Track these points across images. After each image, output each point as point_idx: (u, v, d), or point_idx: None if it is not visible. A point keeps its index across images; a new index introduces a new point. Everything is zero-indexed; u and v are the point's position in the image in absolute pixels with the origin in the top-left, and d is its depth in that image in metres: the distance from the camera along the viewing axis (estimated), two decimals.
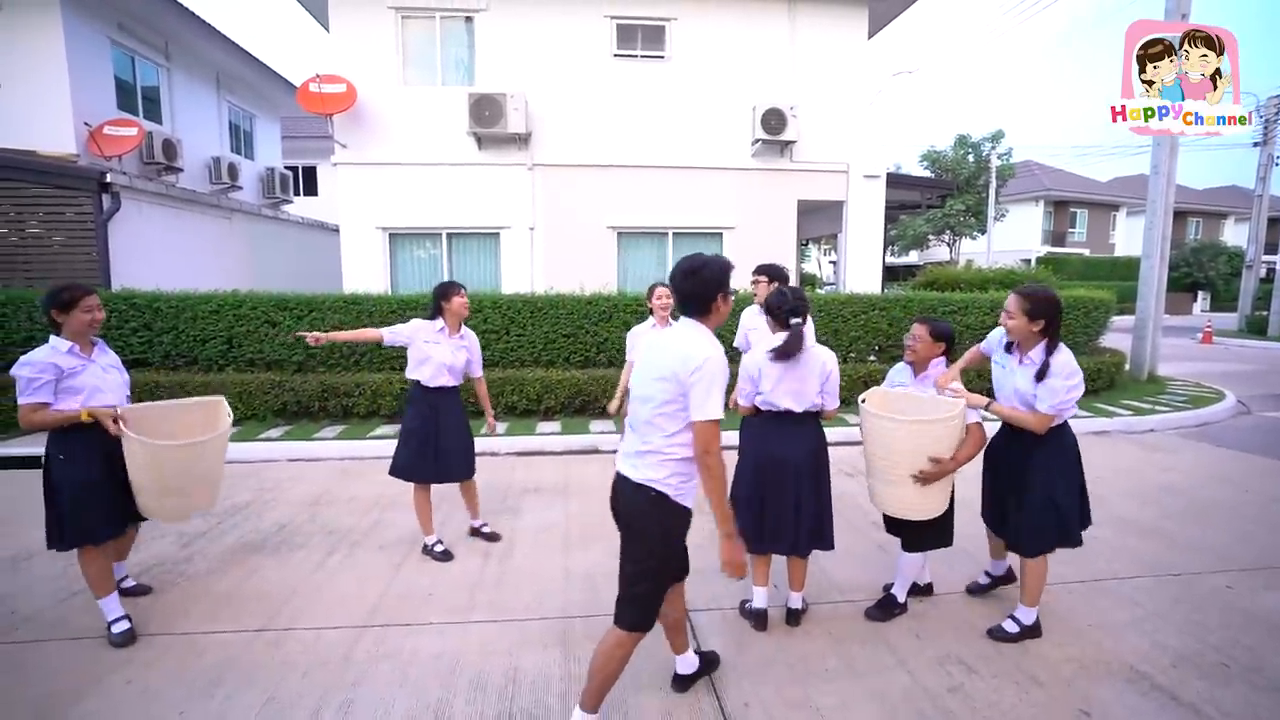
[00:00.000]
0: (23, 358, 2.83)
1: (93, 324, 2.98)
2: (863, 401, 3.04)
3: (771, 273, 4.09)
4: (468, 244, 9.78)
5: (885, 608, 3.14)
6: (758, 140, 9.56)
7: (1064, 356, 2.76)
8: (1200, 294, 31.01)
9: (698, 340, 2.10)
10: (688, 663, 2.60)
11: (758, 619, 3.06)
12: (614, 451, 6.18)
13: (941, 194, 15.24)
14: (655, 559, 2.22)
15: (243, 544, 4.04)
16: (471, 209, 9.56)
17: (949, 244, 30.96)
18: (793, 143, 9.68)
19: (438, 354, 3.82)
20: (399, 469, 3.84)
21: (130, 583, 3.38)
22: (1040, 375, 2.76)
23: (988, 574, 3.39)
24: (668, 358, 2.10)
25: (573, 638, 2.97)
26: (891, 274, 29.73)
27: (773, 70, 9.89)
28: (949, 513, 3.08)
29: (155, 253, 9.44)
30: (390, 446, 6.07)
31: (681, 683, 2.60)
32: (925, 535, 3.08)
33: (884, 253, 10.99)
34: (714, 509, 2.12)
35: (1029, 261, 28.50)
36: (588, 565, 3.74)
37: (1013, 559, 3.25)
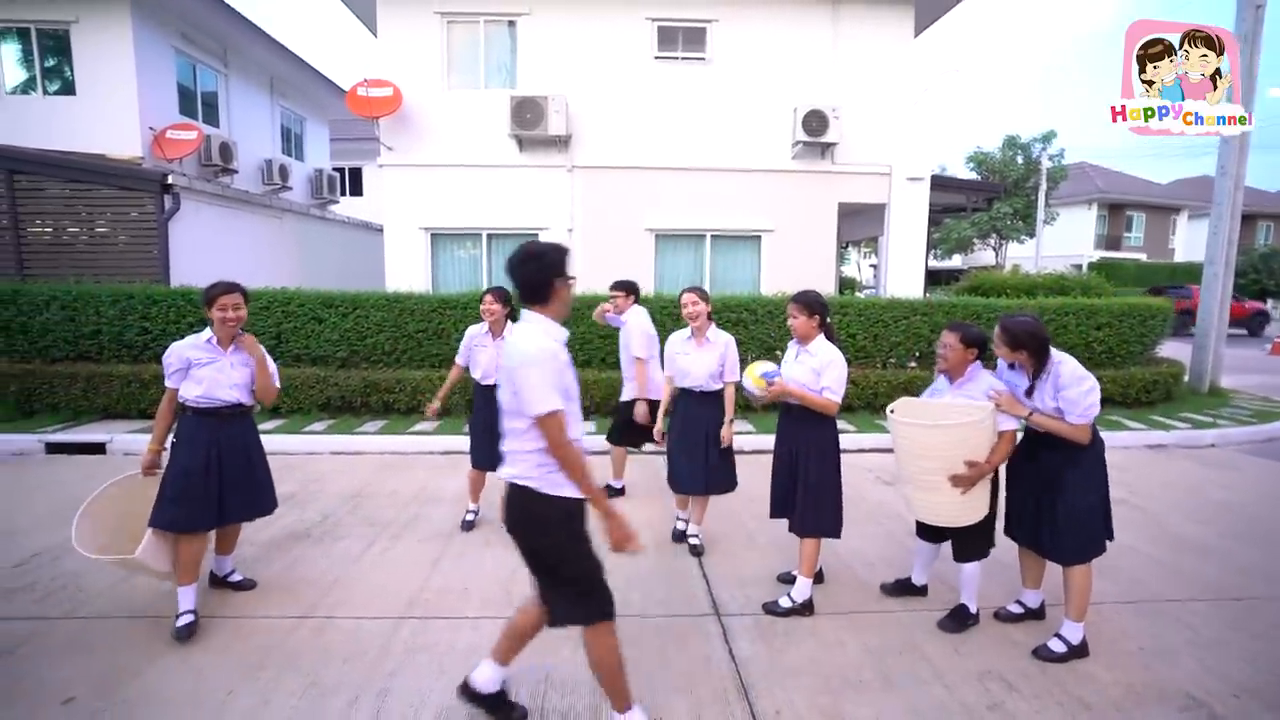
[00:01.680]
0: (172, 344, 3.08)
1: (225, 321, 3.10)
2: (891, 412, 3.04)
3: (628, 288, 5.04)
4: (507, 245, 9.92)
5: (959, 619, 3.06)
6: (798, 142, 9.45)
7: (1068, 366, 2.78)
8: (1271, 302, 29.37)
9: (529, 334, 2.08)
10: (491, 682, 2.35)
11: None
12: (649, 453, 6.20)
13: (988, 197, 14.85)
14: (561, 552, 2.16)
15: (288, 533, 4.18)
16: (511, 210, 9.69)
17: (995, 248, 30.06)
18: (834, 144, 9.54)
19: (483, 356, 4.22)
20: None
21: (237, 576, 3.45)
22: (1029, 393, 2.86)
23: (1020, 604, 3.21)
24: (506, 357, 2.10)
25: None
26: (934, 278, 28.95)
27: (814, 71, 9.78)
28: (992, 517, 3.03)
29: (211, 251, 9.84)
30: (430, 442, 6.26)
31: (467, 693, 2.35)
32: (971, 542, 3.03)
33: (926, 257, 10.75)
34: (584, 493, 2.10)
35: (1080, 267, 27.48)
36: (621, 565, 3.72)
37: (1047, 590, 3.14)
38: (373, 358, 7.48)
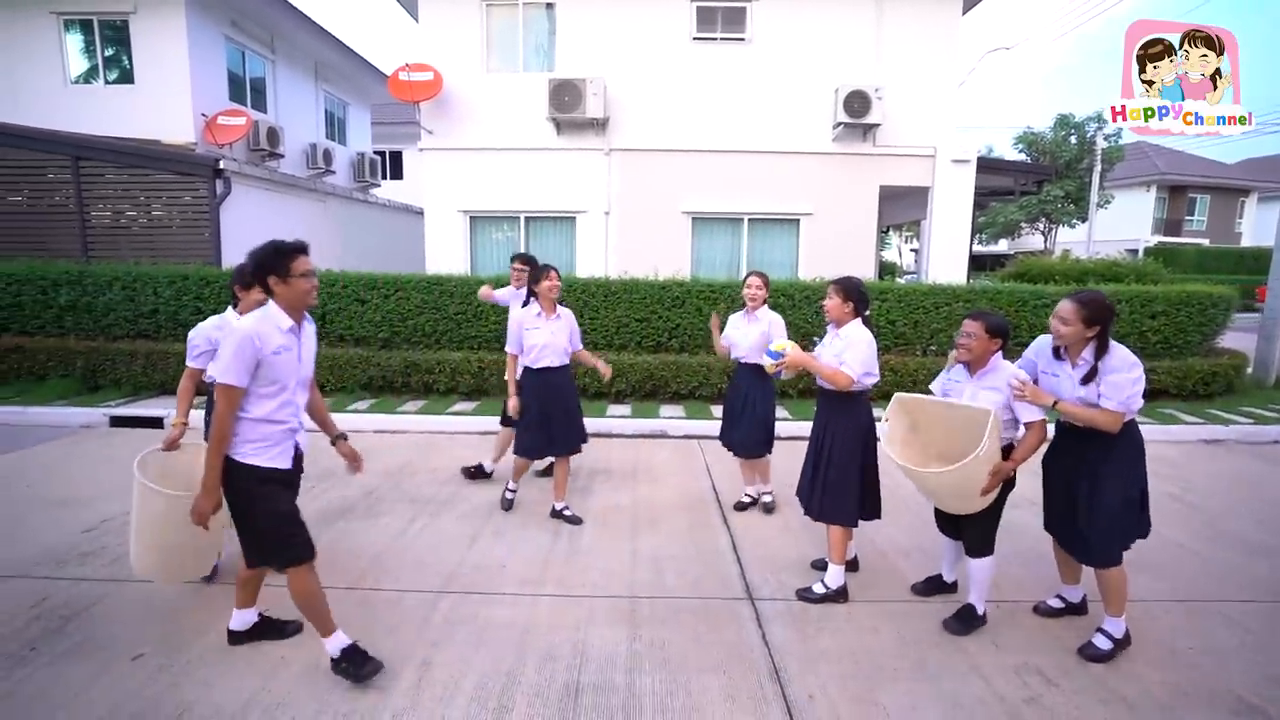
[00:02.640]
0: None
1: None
2: (884, 423, 2.98)
3: (528, 260, 4.73)
4: (544, 227, 9.99)
5: (965, 620, 2.97)
6: (839, 124, 9.23)
7: (1120, 350, 2.65)
8: None
9: (251, 315, 2.41)
10: (245, 623, 2.74)
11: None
12: (685, 436, 6.23)
13: (1038, 179, 14.26)
14: (249, 507, 2.42)
15: (334, 507, 4.34)
16: (549, 193, 9.74)
17: (1044, 233, 28.94)
18: (876, 126, 9.29)
19: (537, 339, 4.01)
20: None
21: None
22: (1089, 377, 2.65)
23: (1061, 598, 3.14)
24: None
25: (639, 618, 3.04)
26: (978, 264, 28.05)
27: (857, 51, 9.51)
28: (999, 509, 2.92)
29: (259, 233, 10.01)
30: (468, 423, 6.39)
31: (234, 637, 2.73)
32: (979, 533, 2.94)
33: (971, 241, 10.42)
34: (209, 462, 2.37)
35: (1135, 252, 26.30)
36: (654, 548, 3.80)
37: (1087, 586, 3.05)
38: (413, 339, 7.65)
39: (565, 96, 9.04)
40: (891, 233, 35.73)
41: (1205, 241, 31.49)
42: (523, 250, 9.91)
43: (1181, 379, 7.47)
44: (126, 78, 10.67)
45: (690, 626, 2.97)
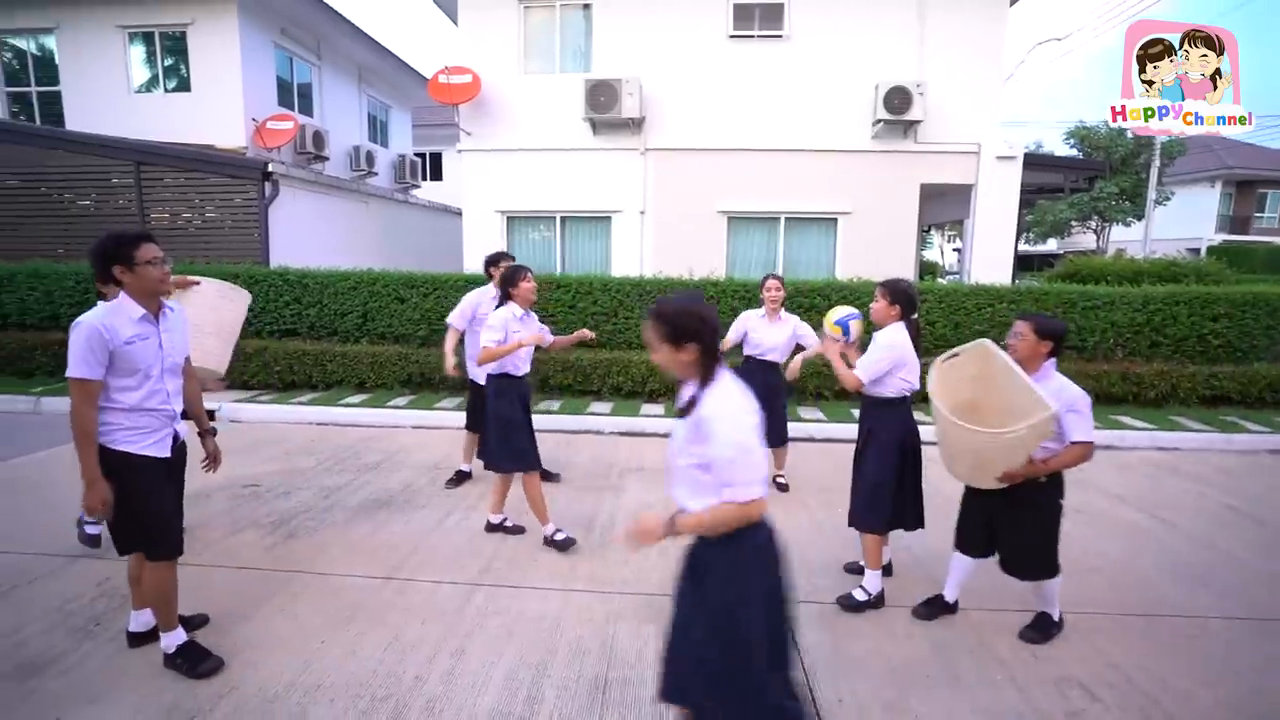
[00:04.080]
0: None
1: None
2: (942, 361, 2.88)
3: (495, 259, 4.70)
4: (580, 227, 10.06)
5: (1042, 628, 2.89)
6: (879, 121, 9.06)
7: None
8: None
9: (96, 310, 2.37)
10: (145, 624, 2.68)
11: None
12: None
13: (1089, 176, 13.77)
14: (120, 496, 2.39)
15: (373, 500, 4.46)
16: (585, 193, 9.80)
17: (1096, 231, 27.82)
18: (917, 123, 9.08)
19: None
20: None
21: None
22: None
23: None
24: None
25: (668, 615, 3.03)
26: (1025, 264, 27.15)
27: (898, 46, 9.31)
28: (1053, 539, 2.83)
29: (304, 234, 10.50)
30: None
31: (133, 640, 2.68)
32: (1027, 562, 2.85)
33: (1017, 241, 10.11)
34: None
35: (1197, 251, 25.06)
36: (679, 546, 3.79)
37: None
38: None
39: (601, 97, 9.09)
40: (933, 232, 34.88)
41: (1278, 240, 29.79)
42: (559, 251, 10.00)
43: (1246, 385, 7.11)
44: (184, 86, 11.16)
45: None
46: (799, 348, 4.59)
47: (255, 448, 5.62)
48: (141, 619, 2.70)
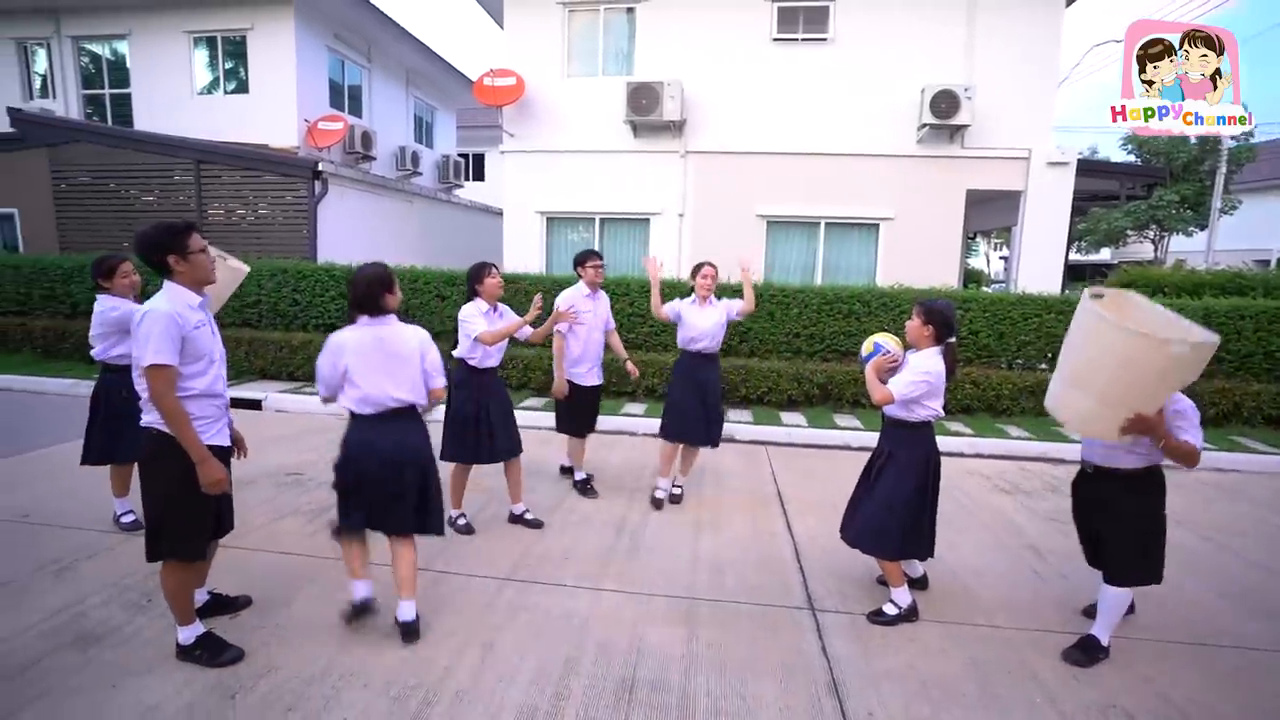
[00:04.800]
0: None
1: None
2: (1096, 297, 2.53)
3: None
4: (618, 229, 10.12)
5: (1087, 650, 2.80)
6: (924, 125, 8.87)
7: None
8: None
9: (155, 299, 2.35)
10: (184, 636, 2.56)
11: None
12: (750, 441, 6.16)
13: (1148, 182, 13.22)
14: (165, 494, 2.41)
15: None
16: (624, 195, 9.85)
17: (1155, 241, 26.65)
18: (965, 127, 8.87)
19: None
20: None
21: None
22: None
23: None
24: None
25: (697, 619, 3.03)
26: (1076, 273, 26.16)
27: (945, 49, 9.11)
28: (1160, 542, 2.77)
29: (351, 231, 10.80)
30: (536, 418, 6.56)
31: (178, 651, 2.56)
32: (1131, 565, 2.76)
33: (1068, 250, 9.77)
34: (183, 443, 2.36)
35: (1266, 263, 23.80)
36: (715, 550, 3.79)
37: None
38: None
39: (643, 99, 9.13)
40: (979, 239, 33.94)
41: None
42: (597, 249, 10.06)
43: None
44: (242, 88, 11.62)
45: (748, 631, 2.94)
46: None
47: (299, 437, 5.81)
48: (192, 632, 2.59)
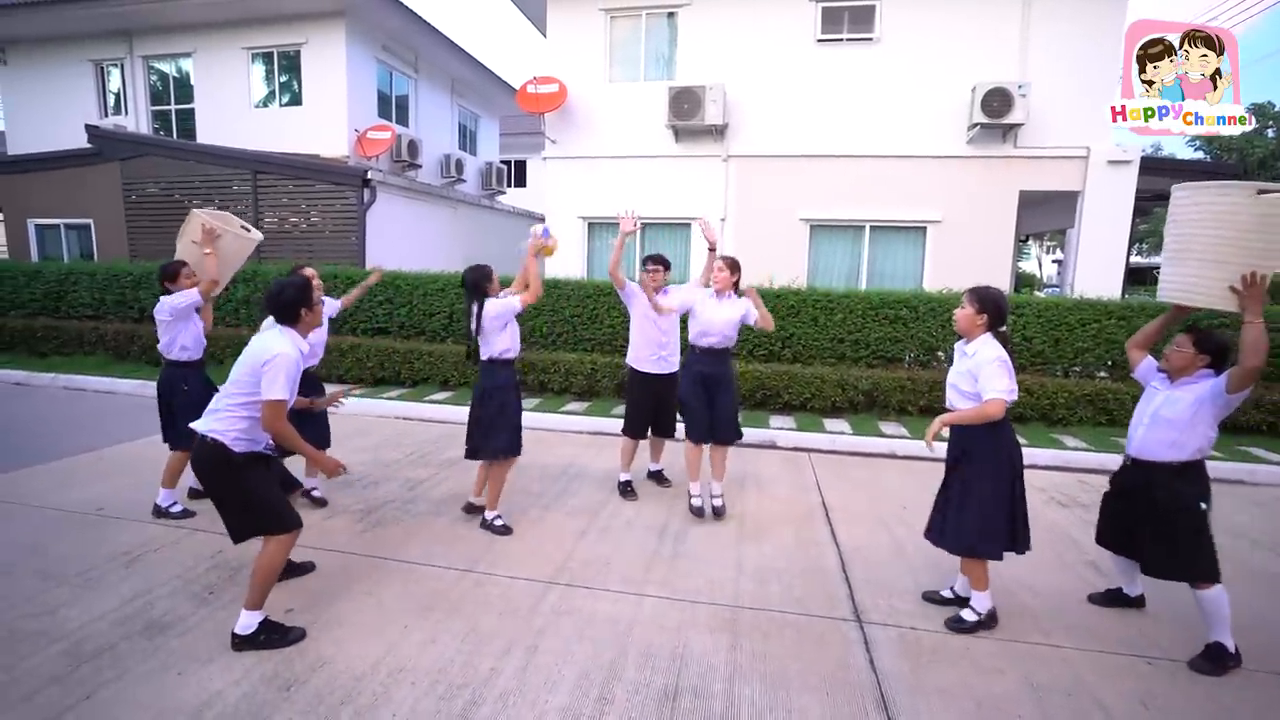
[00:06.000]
0: None
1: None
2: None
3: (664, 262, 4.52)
4: (659, 234, 10.12)
5: (1215, 659, 2.72)
6: (975, 125, 8.62)
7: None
8: None
9: (282, 341, 2.69)
10: (246, 624, 2.70)
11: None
12: (794, 449, 6.07)
13: (1219, 180, 12.51)
14: (235, 488, 2.69)
15: (454, 494, 4.64)
16: (665, 200, 9.85)
17: None
18: (1018, 126, 8.58)
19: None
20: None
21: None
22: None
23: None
24: (264, 350, 2.63)
25: (741, 628, 3.00)
26: (1137, 277, 25.00)
27: (998, 44, 8.83)
28: (1205, 539, 2.76)
29: (397, 237, 11.10)
30: (578, 422, 6.60)
31: (236, 641, 2.69)
32: (1176, 560, 2.80)
33: (1129, 252, 9.35)
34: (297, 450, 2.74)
35: None
36: (760, 559, 3.74)
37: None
38: (531, 340, 8.03)
39: (684, 104, 9.13)
40: (1031, 242, 32.78)
41: None
42: (637, 257, 10.10)
43: None
44: (295, 100, 12.07)
45: (793, 642, 2.89)
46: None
47: (347, 438, 5.97)
48: (246, 623, 2.72)
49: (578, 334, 7.89)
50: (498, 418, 3.90)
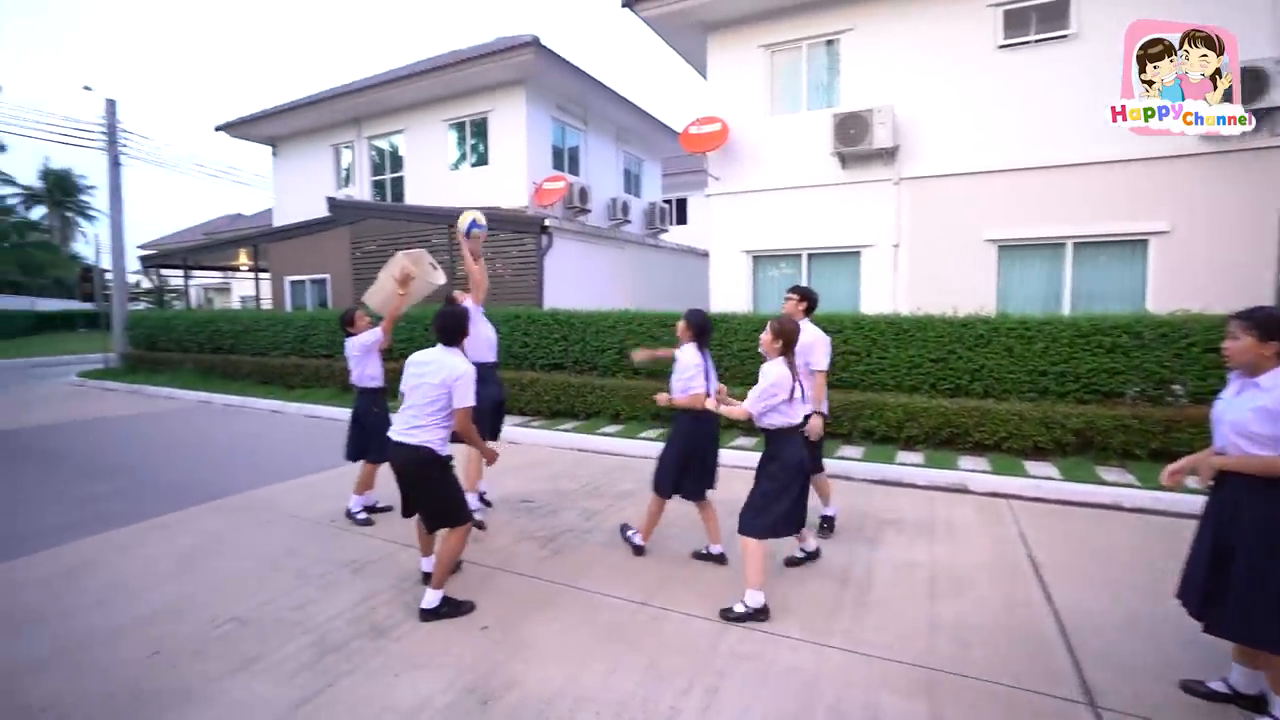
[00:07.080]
0: None
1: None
2: None
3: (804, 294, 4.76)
4: (826, 264, 9.80)
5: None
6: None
7: None
8: None
9: (461, 359, 3.40)
10: (430, 600, 3.33)
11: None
12: (990, 494, 5.45)
13: None
14: (438, 487, 3.38)
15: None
16: (832, 229, 9.55)
17: None
18: (1274, 110, 7.14)
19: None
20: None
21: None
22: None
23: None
24: (450, 369, 3.31)
25: (939, 693, 2.69)
26: None
27: (1241, 15, 7.45)
28: None
29: (571, 279, 11.88)
30: (744, 457, 6.47)
31: (424, 614, 3.30)
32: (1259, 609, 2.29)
33: None
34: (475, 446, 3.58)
35: None
36: (957, 616, 3.35)
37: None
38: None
39: (851, 130, 8.84)
40: None
41: None
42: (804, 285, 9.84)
43: None
44: (483, 160, 13.59)
45: (1004, 718, 2.52)
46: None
47: (528, 468, 6.40)
48: (430, 597, 3.35)
49: (745, 368, 7.81)
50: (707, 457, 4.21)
